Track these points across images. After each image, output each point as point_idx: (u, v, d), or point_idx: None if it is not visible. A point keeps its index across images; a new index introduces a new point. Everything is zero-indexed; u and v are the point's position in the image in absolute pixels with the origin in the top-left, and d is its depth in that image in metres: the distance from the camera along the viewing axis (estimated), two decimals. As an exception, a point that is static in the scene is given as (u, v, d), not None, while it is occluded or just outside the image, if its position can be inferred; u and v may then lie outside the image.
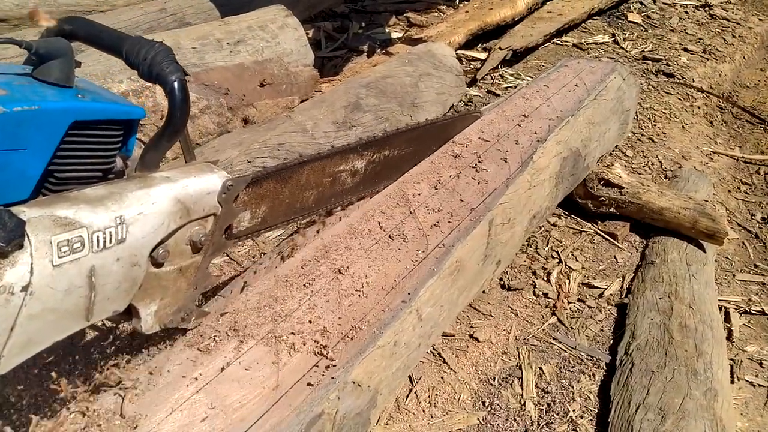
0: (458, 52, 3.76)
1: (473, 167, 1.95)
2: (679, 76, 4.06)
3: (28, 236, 0.87)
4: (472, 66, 3.80)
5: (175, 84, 1.06)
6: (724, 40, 4.82)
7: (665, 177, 3.01)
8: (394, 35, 4.04)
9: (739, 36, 4.92)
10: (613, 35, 4.57)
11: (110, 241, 0.97)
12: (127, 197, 1.01)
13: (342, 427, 1.21)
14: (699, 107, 3.82)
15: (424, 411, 1.75)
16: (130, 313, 1.12)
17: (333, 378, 1.21)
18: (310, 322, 1.33)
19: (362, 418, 1.29)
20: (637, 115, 3.47)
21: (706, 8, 5.30)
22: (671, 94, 3.85)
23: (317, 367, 1.25)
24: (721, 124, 3.78)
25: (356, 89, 2.76)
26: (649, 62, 4.23)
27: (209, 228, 1.18)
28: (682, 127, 3.53)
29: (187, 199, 1.11)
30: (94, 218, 0.95)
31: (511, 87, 3.53)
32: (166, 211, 1.06)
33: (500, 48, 3.75)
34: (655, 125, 3.47)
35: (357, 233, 1.62)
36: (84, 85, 1.06)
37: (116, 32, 1.12)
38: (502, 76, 3.72)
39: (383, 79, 2.87)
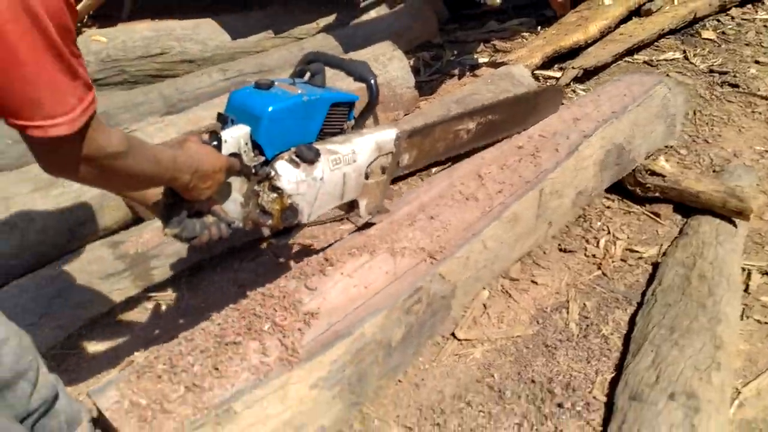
0: (536, 72, 4.45)
1: (531, 155, 2.66)
2: (744, 86, 4.47)
3: (320, 155, 1.80)
4: (548, 83, 4.47)
5: (371, 82, 1.94)
6: (800, 51, 5.11)
7: (713, 172, 3.51)
8: (481, 60, 4.80)
9: (816, 47, 5.17)
10: (684, 51, 5.03)
11: (350, 161, 1.90)
12: (355, 141, 1.94)
13: (432, 301, 1.98)
14: (760, 113, 4.23)
15: (493, 324, 2.45)
16: (353, 208, 2.07)
17: (427, 270, 1.98)
18: (413, 243, 2.11)
19: (446, 301, 2.04)
20: (695, 121, 3.97)
21: (785, 22, 5.58)
22: (733, 102, 4.29)
23: (418, 265, 2.02)
24: (781, 128, 4.15)
25: (448, 104, 3.54)
26: (716, 75, 4.66)
27: (389, 160, 2.07)
28: (739, 130, 3.98)
29: (379, 142, 2.00)
30: (343, 149, 1.88)
31: (581, 100, 4.16)
32: (371, 148, 1.97)
33: (573, 67, 4.40)
34: (712, 129, 3.95)
35: (444, 197, 2.38)
36: (330, 86, 1.98)
37: (340, 58, 2.05)
38: (574, 91, 4.36)
39: (470, 96, 3.63)
